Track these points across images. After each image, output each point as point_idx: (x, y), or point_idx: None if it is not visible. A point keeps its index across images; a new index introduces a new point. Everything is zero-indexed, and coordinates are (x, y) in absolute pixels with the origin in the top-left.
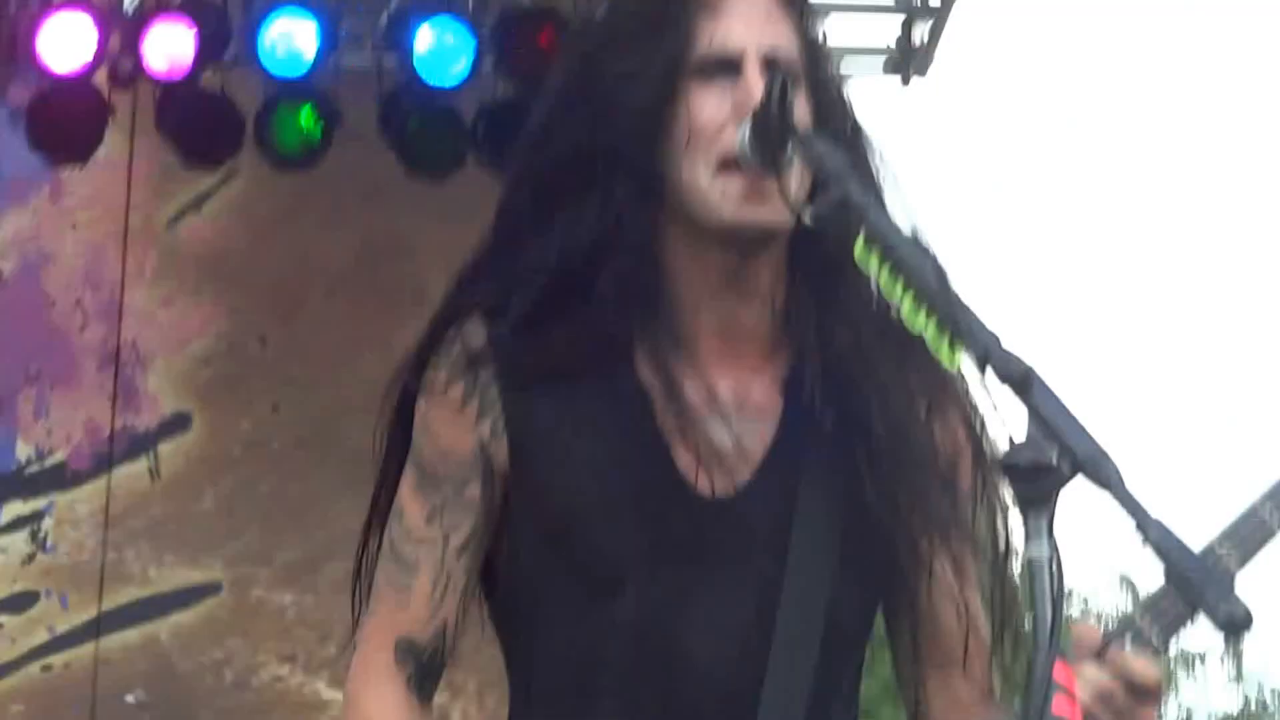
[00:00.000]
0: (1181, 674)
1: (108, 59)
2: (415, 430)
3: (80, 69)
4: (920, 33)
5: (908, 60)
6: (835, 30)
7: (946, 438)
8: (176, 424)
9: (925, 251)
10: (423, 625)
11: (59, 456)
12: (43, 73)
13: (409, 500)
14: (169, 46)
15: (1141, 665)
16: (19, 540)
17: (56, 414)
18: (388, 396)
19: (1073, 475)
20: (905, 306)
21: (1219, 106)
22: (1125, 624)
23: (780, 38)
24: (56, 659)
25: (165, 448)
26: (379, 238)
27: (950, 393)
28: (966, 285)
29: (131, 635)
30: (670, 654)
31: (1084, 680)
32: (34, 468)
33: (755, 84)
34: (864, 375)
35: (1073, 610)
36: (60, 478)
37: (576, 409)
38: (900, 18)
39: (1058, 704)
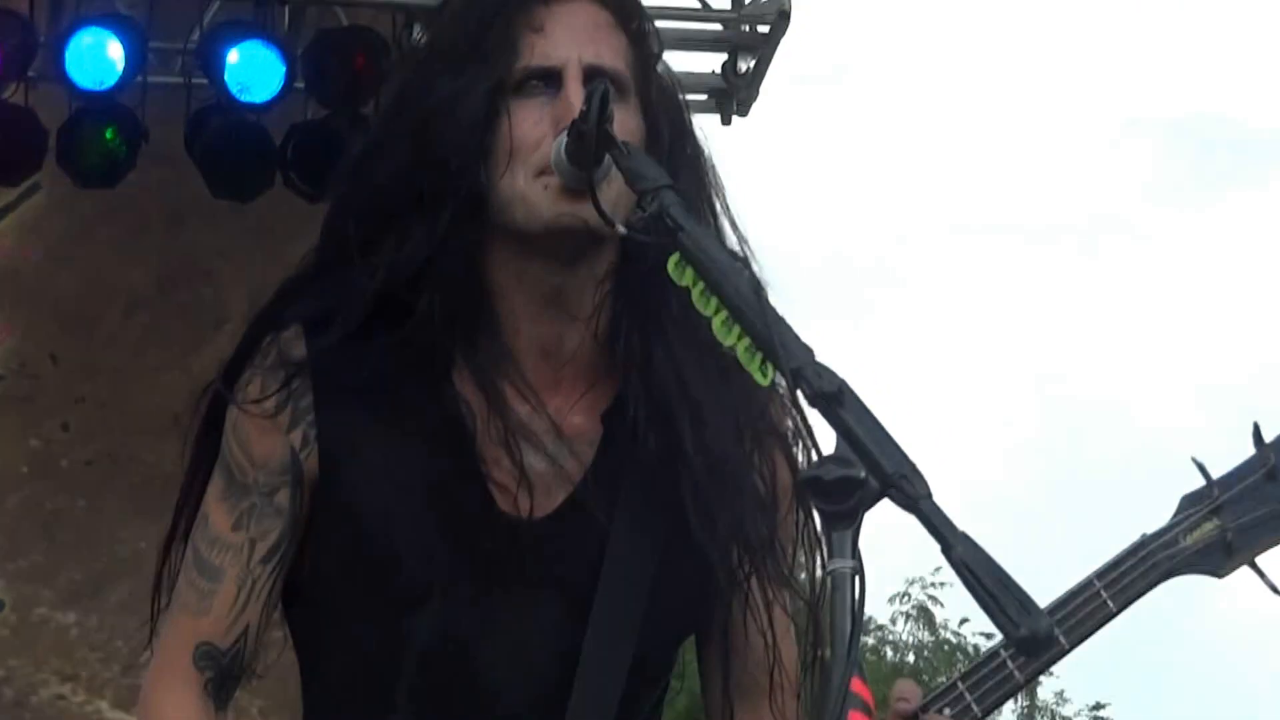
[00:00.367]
0: None
1: None
2: (225, 436)
3: None
4: (745, 66)
5: (728, 99)
6: None
7: (766, 465)
8: None
9: (742, 268)
10: (224, 631)
11: None
12: None
13: (215, 506)
14: None
15: None
16: None
17: None
18: (198, 404)
19: (881, 492)
20: (717, 323)
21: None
22: (948, 690)
23: (606, 51)
24: None
25: None
26: (180, 258)
27: (773, 418)
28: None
29: None
30: (468, 673)
31: None
32: None
33: (575, 96)
34: (684, 401)
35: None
36: None
37: (391, 424)
38: (721, 57)
39: (853, 718)
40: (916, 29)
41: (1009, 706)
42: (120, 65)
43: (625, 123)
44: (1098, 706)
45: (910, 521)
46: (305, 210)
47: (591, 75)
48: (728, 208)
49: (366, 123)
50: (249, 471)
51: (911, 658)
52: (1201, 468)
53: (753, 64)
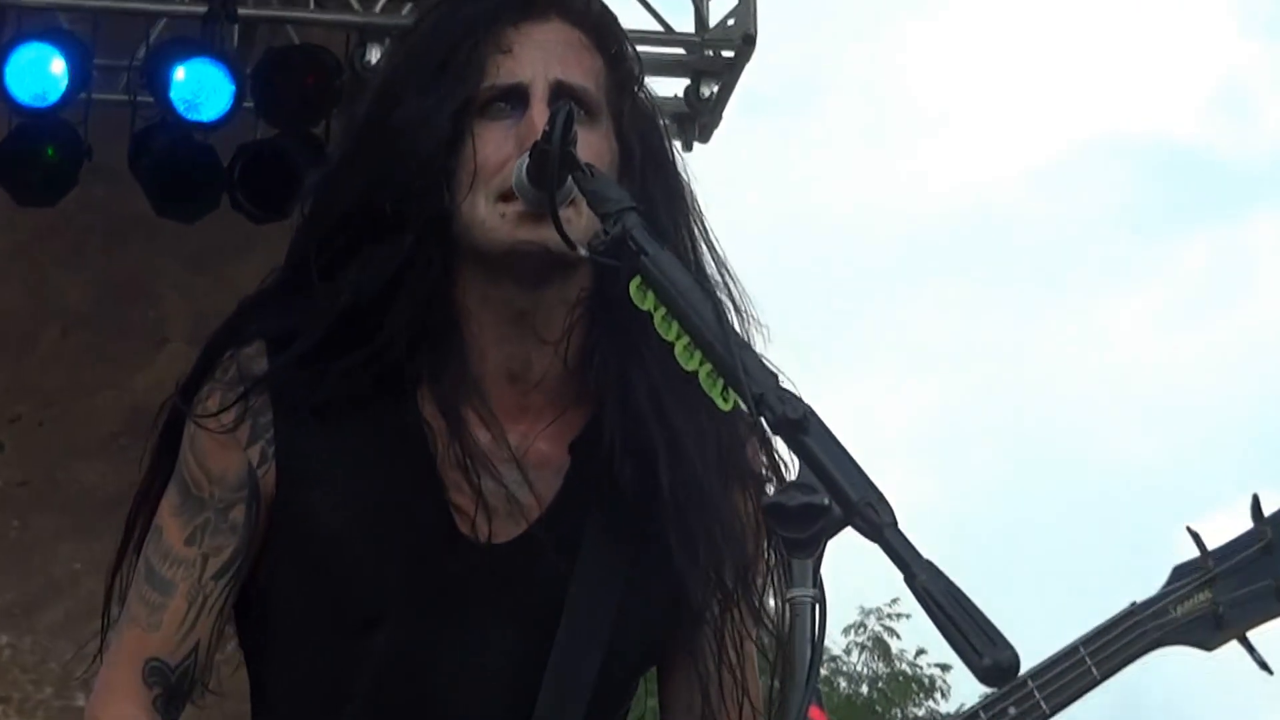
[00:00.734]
0: None
1: None
2: (182, 450)
3: None
4: (708, 92)
5: (690, 124)
6: None
7: (744, 498)
8: None
9: (707, 292)
10: (174, 647)
11: None
12: None
13: (169, 520)
14: None
15: None
16: None
17: None
18: (157, 418)
19: (845, 519)
20: (679, 348)
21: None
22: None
23: (575, 70)
24: None
25: None
26: (122, 278)
27: (750, 450)
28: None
29: None
30: (421, 696)
31: None
32: None
33: (540, 116)
34: (663, 430)
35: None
36: None
37: (352, 444)
38: (684, 82)
39: None
40: (885, 53)
41: None
42: (63, 82)
43: (594, 145)
44: None
45: (865, 549)
46: (252, 232)
47: (559, 94)
48: (707, 233)
49: (317, 143)
50: (205, 486)
51: (866, 689)
52: (1197, 538)
53: (716, 89)
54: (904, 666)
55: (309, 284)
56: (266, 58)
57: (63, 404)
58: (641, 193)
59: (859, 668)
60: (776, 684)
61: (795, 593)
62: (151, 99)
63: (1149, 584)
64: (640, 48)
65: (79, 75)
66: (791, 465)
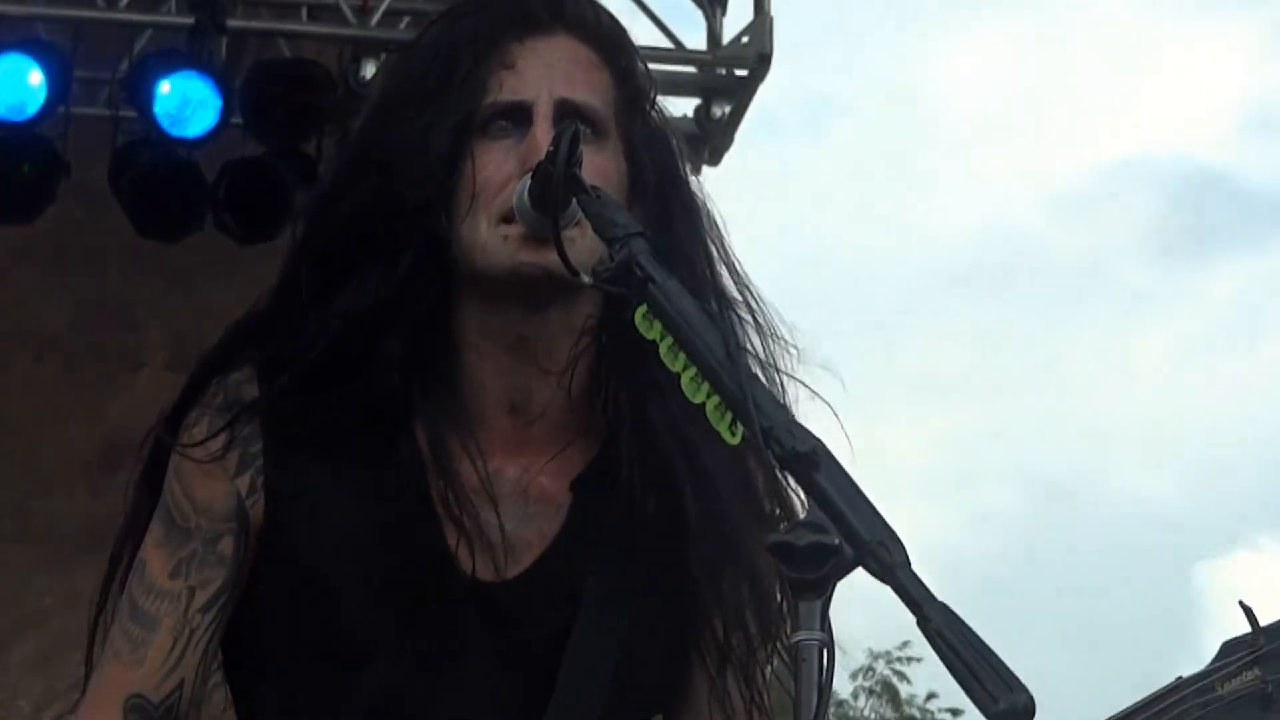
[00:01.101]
0: None
1: None
2: (167, 479)
3: None
4: (720, 112)
5: (700, 145)
6: None
7: (759, 535)
8: None
9: (715, 321)
10: (157, 683)
11: None
12: None
13: (154, 552)
14: None
15: None
16: None
17: None
18: (141, 446)
19: (856, 559)
20: (685, 380)
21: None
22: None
23: (582, 88)
24: None
25: None
26: (99, 301)
27: (764, 484)
28: None
29: None
30: None
31: None
32: None
33: (543, 135)
34: (689, 465)
35: None
36: None
37: (344, 476)
38: (695, 101)
39: None
40: (905, 74)
41: None
42: (41, 94)
43: (601, 166)
44: None
45: (875, 589)
46: (237, 254)
47: (564, 113)
48: (727, 256)
49: (308, 162)
50: (191, 517)
51: None
52: (1249, 612)
53: (728, 110)
54: (914, 711)
55: (300, 308)
56: (256, 71)
57: (35, 431)
58: (652, 216)
59: (867, 713)
60: None
61: (802, 636)
62: (134, 113)
63: (1170, 627)
64: (650, 65)
65: (57, 88)
66: (800, 502)
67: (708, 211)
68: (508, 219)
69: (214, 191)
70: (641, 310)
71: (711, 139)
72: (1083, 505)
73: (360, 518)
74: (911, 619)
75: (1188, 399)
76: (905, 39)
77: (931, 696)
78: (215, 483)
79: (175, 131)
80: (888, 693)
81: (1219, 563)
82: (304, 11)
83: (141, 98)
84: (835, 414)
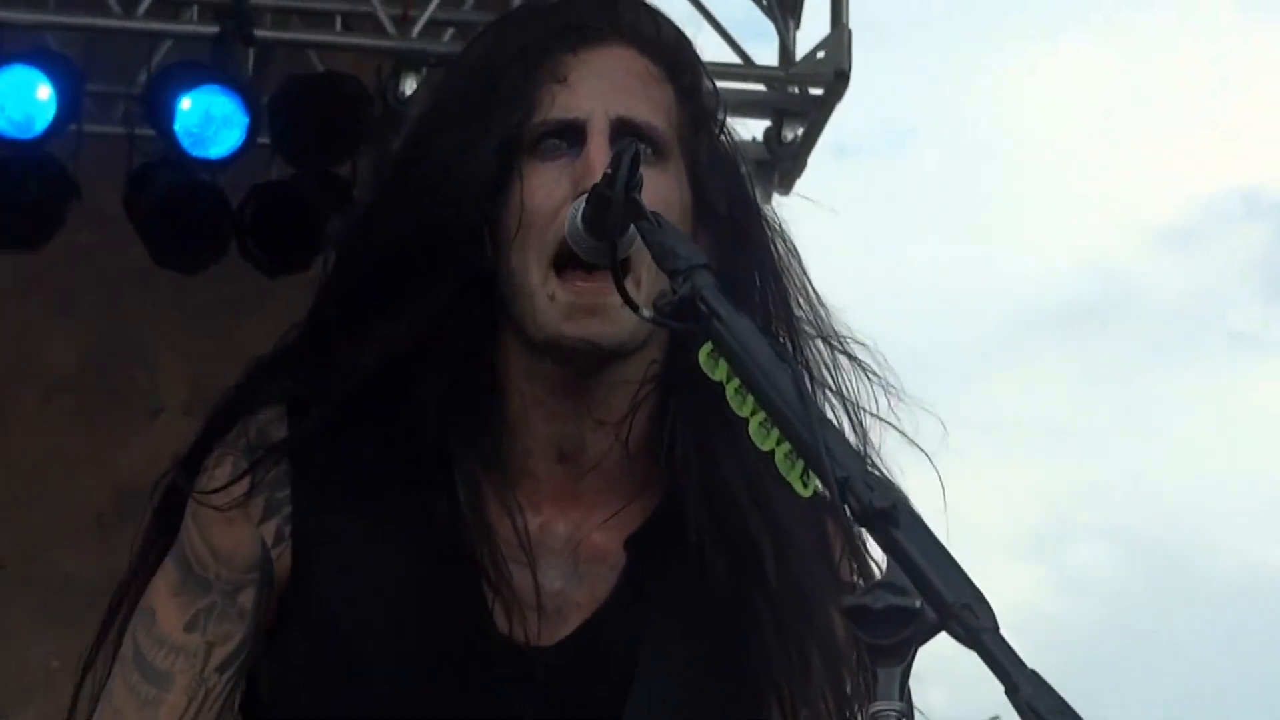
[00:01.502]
0: None
1: None
2: (184, 523)
3: None
4: (791, 135)
5: (769, 171)
6: None
7: (834, 597)
8: None
9: (787, 361)
10: None
11: None
12: None
13: (166, 601)
14: None
15: None
16: None
17: None
18: (154, 489)
19: (939, 624)
20: (753, 425)
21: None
22: None
23: (642, 104)
24: None
25: None
26: (112, 337)
27: (840, 541)
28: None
29: None
30: None
31: None
32: None
33: (599, 155)
34: (758, 519)
35: None
36: None
37: (379, 526)
38: (765, 123)
39: None
40: (993, 94)
41: None
42: (50, 110)
43: (662, 190)
44: None
45: (959, 656)
46: (264, 286)
47: (622, 132)
48: (805, 289)
49: (341, 185)
50: (210, 565)
51: None
52: None
53: (800, 132)
54: None
55: (333, 341)
56: (285, 87)
57: (41, 480)
58: (720, 247)
59: None
60: None
61: (879, 706)
62: (152, 132)
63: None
64: (716, 82)
65: (68, 103)
66: (878, 560)
67: (784, 239)
68: (559, 264)
69: (239, 218)
70: (706, 349)
71: (782, 164)
72: (1188, 571)
73: (394, 575)
74: (999, 689)
75: None
76: (991, 57)
77: None
78: (238, 529)
79: (197, 152)
80: None
81: None
82: (338, 21)
83: (160, 115)
84: (930, 459)
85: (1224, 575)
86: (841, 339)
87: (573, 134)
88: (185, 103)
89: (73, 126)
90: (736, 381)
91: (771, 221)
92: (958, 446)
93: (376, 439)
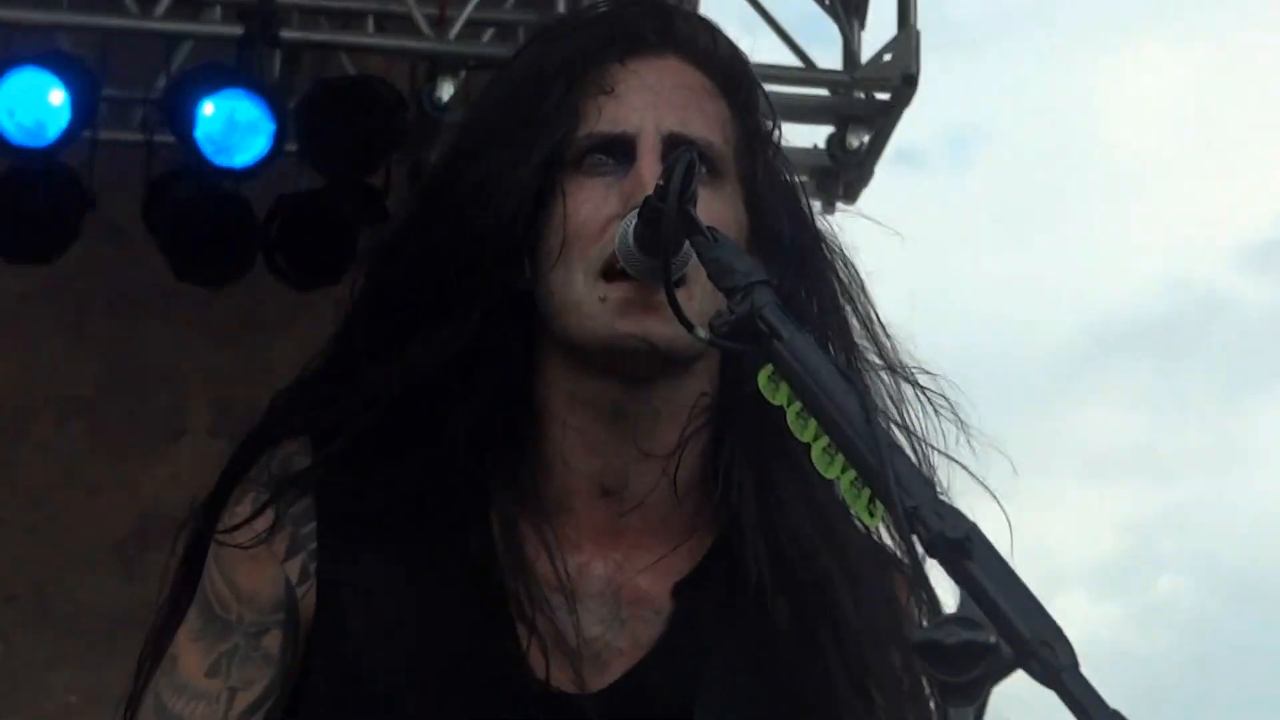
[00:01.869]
0: None
1: None
2: (207, 564)
3: None
4: (857, 142)
5: (833, 180)
6: None
7: (899, 636)
8: None
9: (852, 384)
10: None
11: None
12: None
13: (188, 646)
14: None
15: None
16: None
17: None
18: (179, 531)
19: (1015, 660)
20: (816, 451)
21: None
22: None
23: (696, 119)
24: None
25: None
26: (131, 355)
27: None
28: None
29: None
30: None
31: None
32: None
33: (650, 170)
34: (831, 560)
35: None
36: None
37: (409, 565)
38: (828, 129)
39: None
40: (1067, 97)
41: None
42: (63, 116)
43: (717, 210)
44: None
45: (1036, 696)
46: (292, 301)
47: (674, 147)
48: (868, 318)
49: (374, 195)
50: (232, 607)
51: None
52: None
53: (866, 139)
54: None
55: (362, 368)
56: (314, 91)
57: (58, 506)
58: (778, 271)
59: None
60: None
61: None
62: (172, 139)
63: None
64: (776, 87)
65: (82, 108)
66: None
67: (846, 265)
68: (609, 274)
69: (265, 230)
70: (767, 371)
71: (846, 173)
72: (1277, 602)
73: (425, 616)
74: None
75: None
76: (1067, 60)
77: None
78: (262, 568)
79: (220, 160)
80: None
81: None
82: (371, 21)
83: (181, 121)
84: (997, 499)
85: None
86: (907, 370)
87: (621, 149)
88: (207, 108)
89: (87, 133)
90: (799, 405)
91: (833, 246)
92: (1031, 471)
93: (406, 471)
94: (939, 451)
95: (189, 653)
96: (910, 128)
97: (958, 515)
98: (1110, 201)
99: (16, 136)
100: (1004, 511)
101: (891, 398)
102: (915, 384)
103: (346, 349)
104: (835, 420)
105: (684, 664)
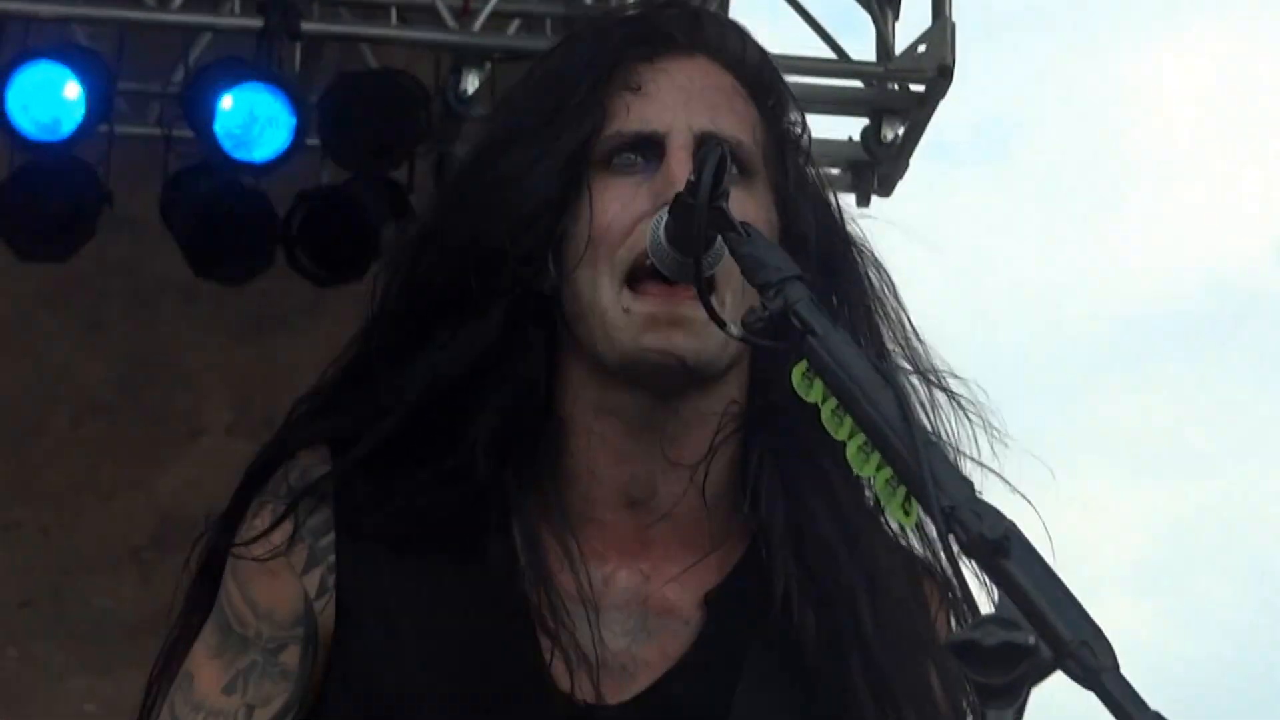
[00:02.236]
0: None
1: None
2: (224, 579)
3: None
4: (891, 134)
5: (867, 173)
6: None
7: (932, 641)
8: None
9: (889, 380)
10: None
11: None
12: None
13: (204, 662)
14: None
15: None
16: None
17: None
18: (194, 545)
19: (1055, 662)
20: (851, 449)
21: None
22: None
23: (726, 119)
24: None
25: None
26: (149, 354)
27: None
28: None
29: None
30: None
31: None
32: None
33: (680, 168)
34: (853, 568)
35: None
36: None
37: (429, 579)
38: (862, 122)
39: None
40: (1107, 88)
41: None
42: (79, 111)
43: (748, 211)
44: None
45: (1076, 697)
46: (314, 298)
47: (704, 144)
48: (900, 323)
49: (397, 190)
50: (250, 622)
51: None
52: None
53: (901, 131)
54: None
55: (381, 373)
56: (335, 84)
57: (73, 509)
58: (811, 275)
59: None
60: None
61: None
62: (190, 133)
63: None
64: (810, 79)
65: (98, 103)
66: (976, 593)
67: (877, 270)
68: (636, 281)
69: (286, 226)
70: (800, 368)
71: (881, 166)
72: None
73: (446, 629)
74: None
75: None
76: (1106, 50)
77: None
78: (279, 582)
79: (240, 155)
80: None
81: None
82: (393, 13)
83: (199, 115)
84: (1033, 506)
85: None
86: (940, 375)
87: (650, 148)
88: (226, 101)
89: (104, 128)
90: (834, 402)
91: (864, 251)
92: (1070, 471)
93: (426, 481)
94: (973, 460)
95: (206, 669)
96: (945, 119)
97: (996, 514)
98: (1148, 193)
99: (31, 131)
100: (1040, 517)
101: (923, 404)
102: (947, 390)
103: (366, 352)
104: (871, 417)
105: (712, 676)
